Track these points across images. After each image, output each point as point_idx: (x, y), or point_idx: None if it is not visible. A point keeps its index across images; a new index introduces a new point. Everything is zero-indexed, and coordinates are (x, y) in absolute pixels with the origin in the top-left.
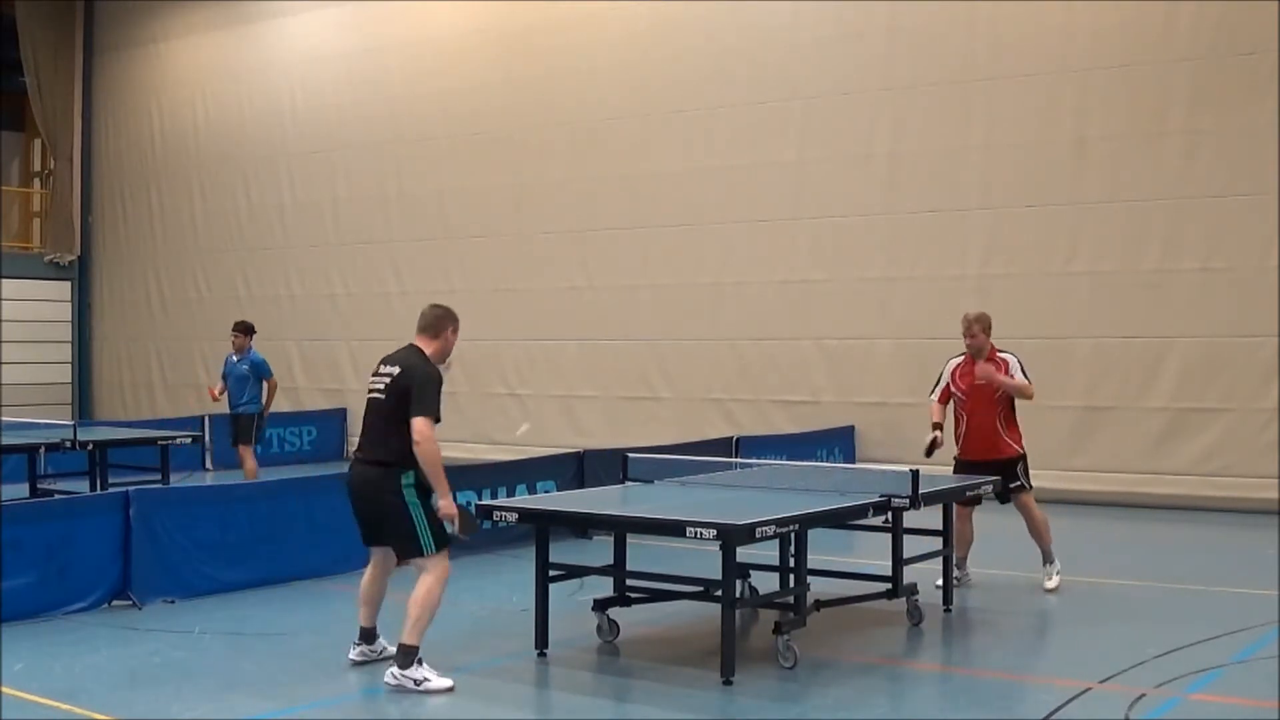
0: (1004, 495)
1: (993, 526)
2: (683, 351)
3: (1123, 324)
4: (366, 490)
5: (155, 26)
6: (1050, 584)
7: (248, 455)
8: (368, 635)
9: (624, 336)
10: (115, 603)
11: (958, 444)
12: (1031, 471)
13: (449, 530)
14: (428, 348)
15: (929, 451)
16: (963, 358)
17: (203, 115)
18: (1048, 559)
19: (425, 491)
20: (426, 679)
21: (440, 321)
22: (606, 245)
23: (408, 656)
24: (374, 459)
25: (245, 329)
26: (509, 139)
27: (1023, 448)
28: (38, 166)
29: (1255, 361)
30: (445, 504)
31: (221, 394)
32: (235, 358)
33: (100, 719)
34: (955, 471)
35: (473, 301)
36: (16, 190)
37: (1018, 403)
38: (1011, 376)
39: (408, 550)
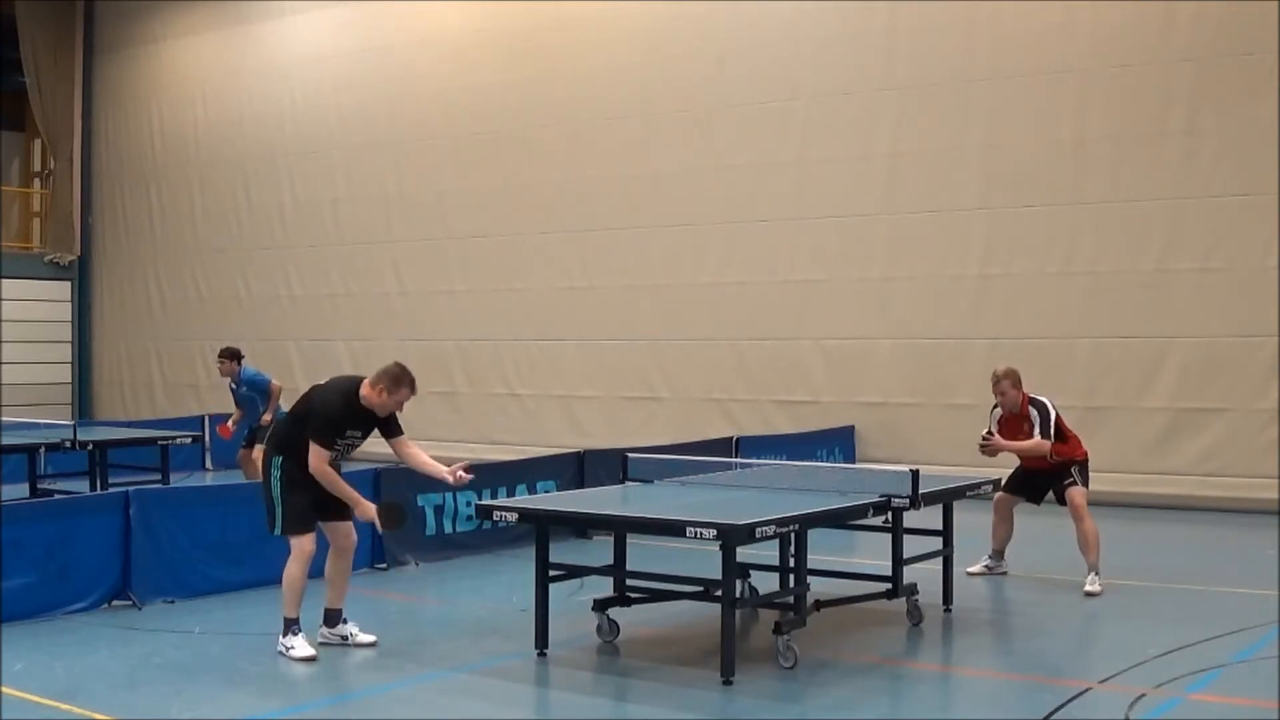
0: (1034, 493)
1: (987, 526)
2: (683, 351)
3: (1123, 324)
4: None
5: (155, 26)
6: (1091, 587)
7: (260, 454)
8: (330, 617)
9: (624, 336)
10: (115, 603)
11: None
12: None
13: (380, 528)
14: (365, 391)
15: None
16: (999, 410)
17: (203, 115)
18: (1092, 569)
19: (290, 482)
20: (291, 647)
21: (380, 375)
22: (606, 245)
23: (284, 626)
24: (270, 438)
25: (229, 354)
26: (509, 139)
27: (1080, 455)
28: (38, 166)
29: (1255, 361)
30: (360, 511)
31: (235, 425)
32: (231, 384)
33: (100, 719)
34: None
35: (473, 301)
36: (16, 190)
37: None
38: (1030, 432)
39: (267, 523)
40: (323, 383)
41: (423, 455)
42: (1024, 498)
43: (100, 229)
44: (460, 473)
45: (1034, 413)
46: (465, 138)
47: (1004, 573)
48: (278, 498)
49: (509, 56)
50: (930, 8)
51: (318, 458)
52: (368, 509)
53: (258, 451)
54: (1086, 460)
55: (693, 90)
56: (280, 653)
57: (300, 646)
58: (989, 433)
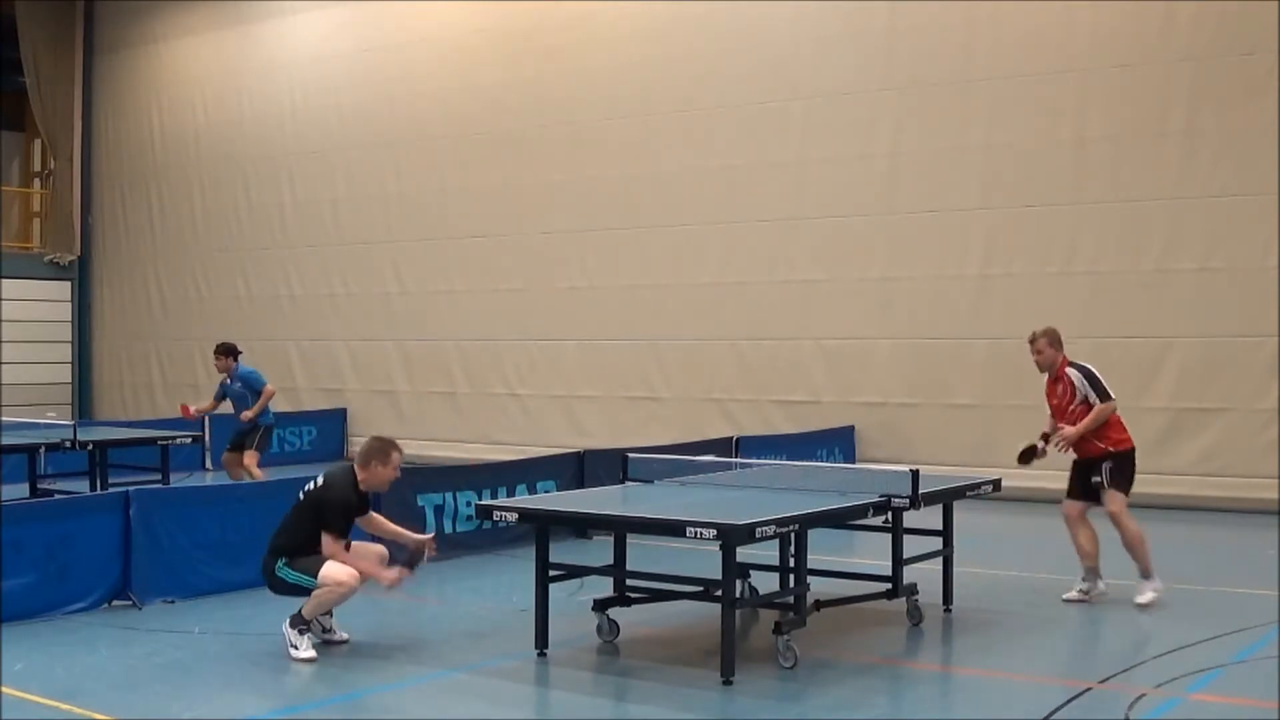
0: (1092, 493)
1: (987, 526)
2: (683, 351)
3: (1123, 324)
4: (263, 570)
5: (155, 26)
6: (1141, 599)
7: (252, 461)
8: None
9: (624, 336)
10: (115, 603)
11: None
12: (1034, 472)
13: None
14: (359, 473)
15: (1025, 458)
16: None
17: (203, 115)
18: (1144, 574)
19: (297, 560)
20: (296, 646)
21: (367, 455)
22: (606, 245)
23: (294, 619)
24: (271, 545)
25: (226, 350)
26: (509, 139)
27: (1112, 445)
28: (38, 166)
29: (1255, 361)
30: (387, 579)
31: (199, 414)
32: (226, 379)
33: (100, 719)
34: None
35: (473, 301)
36: (16, 190)
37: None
38: (1077, 403)
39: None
40: (320, 484)
41: (389, 525)
42: (1088, 500)
43: (100, 229)
44: (429, 547)
45: (1075, 375)
46: (465, 138)
47: (1104, 593)
48: (292, 576)
49: (509, 56)
50: (930, 8)
51: (333, 547)
52: (391, 575)
53: (249, 457)
54: (1126, 453)
55: (693, 90)
56: (289, 649)
57: (304, 648)
58: (1045, 436)
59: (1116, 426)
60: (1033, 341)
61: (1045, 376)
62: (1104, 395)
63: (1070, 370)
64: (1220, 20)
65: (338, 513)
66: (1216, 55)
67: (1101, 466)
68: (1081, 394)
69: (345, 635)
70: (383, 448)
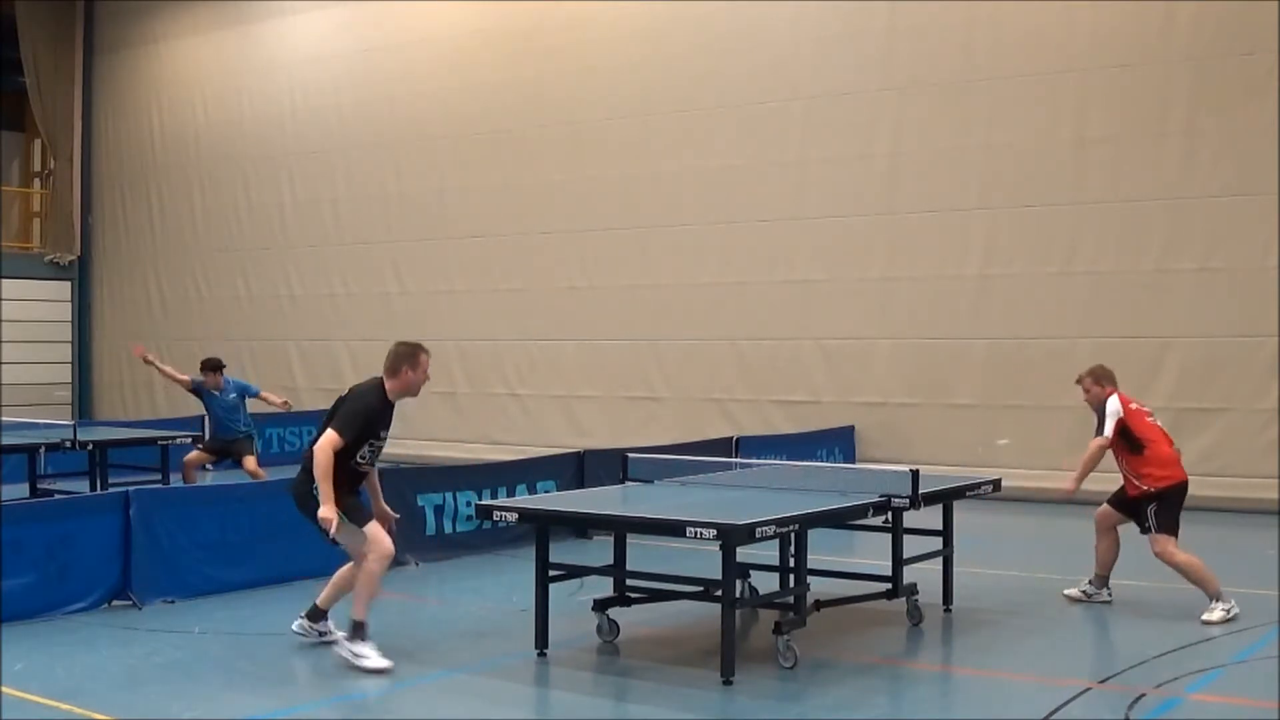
0: (1131, 512)
1: (987, 526)
2: (683, 351)
3: (1123, 324)
4: (294, 489)
5: (155, 26)
6: (1209, 615)
7: (253, 464)
8: (315, 613)
9: (624, 336)
10: (115, 603)
11: None
12: (1034, 472)
13: (327, 535)
14: (388, 384)
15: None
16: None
17: (203, 115)
18: (1213, 598)
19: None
20: (363, 655)
21: (395, 360)
22: (606, 245)
23: (353, 630)
24: (304, 465)
25: (214, 366)
26: (509, 139)
27: (1153, 485)
28: (38, 166)
29: (1255, 361)
30: (325, 510)
31: (150, 362)
32: (217, 393)
33: (100, 719)
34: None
35: (473, 301)
36: (16, 190)
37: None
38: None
39: (322, 535)
40: (348, 392)
41: (377, 485)
42: (1127, 516)
43: (100, 229)
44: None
45: (1110, 411)
46: (465, 138)
47: (1107, 601)
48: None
49: (509, 56)
50: (930, 8)
51: (329, 444)
52: (330, 512)
53: (250, 462)
54: (1170, 490)
55: (693, 90)
56: (347, 659)
57: (374, 657)
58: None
59: (1154, 462)
60: (1079, 382)
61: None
62: (1099, 432)
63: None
64: (1220, 20)
65: (353, 419)
66: (1216, 55)
67: (1147, 510)
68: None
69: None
70: (411, 351)
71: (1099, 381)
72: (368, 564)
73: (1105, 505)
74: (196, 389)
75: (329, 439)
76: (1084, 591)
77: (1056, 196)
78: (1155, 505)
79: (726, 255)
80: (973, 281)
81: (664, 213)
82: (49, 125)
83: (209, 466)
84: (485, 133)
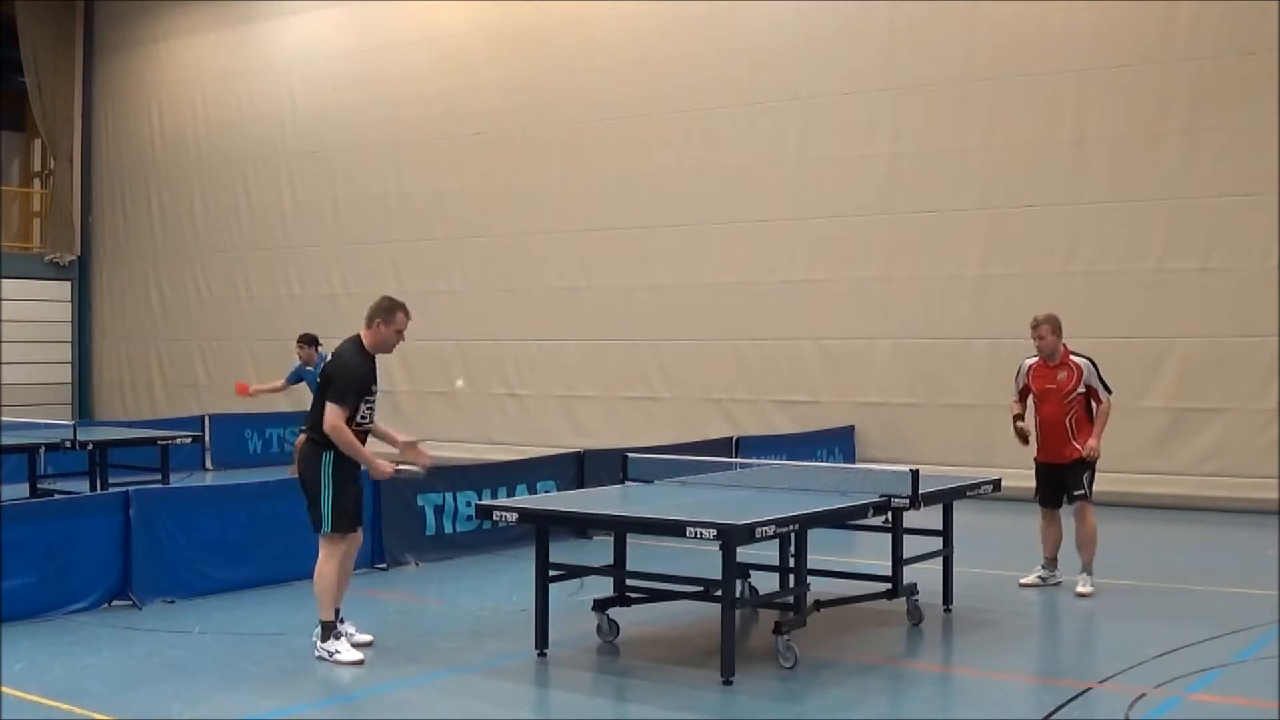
0: (1068, 499)
1: (987, 526)
2: (683, 351)
3: (1123, 324)
4: (300, 458)
5: (155, 26)
6: (1084, 589)
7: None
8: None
9: (624, 336)
10: (115, 603)
11: (1037, 443)
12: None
13: (408, 471)
14: (365, 336)
15: (1025, 439)
16: (1036, 358)
17: (203, 115)
18: (1086, 569)
19: (341, 477)
20: (336, 652)
21: (373, 313)
22: (606, 245)
23: (324, 630)
24: (309, 436)
25: (310, 340)
26: (509, 139)
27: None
28: (38, 166)
29: (1255, 361)
30: (376, 470)
31: (257, 393)
32: (310, 368)
33: (100, 719)
34: (1035, 473)
35: (473, 301)
36: (16, 190)
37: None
38: (1079, 391)
39: (311, 519)
40: (330, 359)
41: (385, 429)
42: (1057, 495)
43: (100, 229)
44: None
45: (1084, 364)
46: (465, 138)
47: (1058, 583)
48: (329, 495)
49: (509, 56)
50: (930, 8)
51: (335, 417)
52: (386, 467)
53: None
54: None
55: (692, 90)
56: (323, 659)
57: (346, 651)
58: (1018, 418)
59: (1089, 431)
60: (1035, 327)
61: (1029, 361)
62: (1109, 389)
63: (1077, 359)
64: (1220, 20)
65: (345, 385)
66: (1216, 55)
67: (1083, 476)
68: (1086, 383)
69: (368, 637)
70: (389, 306)
71: (1056, 331)
72: (322, 563)
73: (1043, 510)
74: (295, 376)
75: (336, 412)
76: (1039, 577)
77: (1056, 196)
78: (1090, 471)
79: (726, 255)
80: (973, 281)
81: (664, 213)
82: (49, 125)
83: None
84: (485, 133)
